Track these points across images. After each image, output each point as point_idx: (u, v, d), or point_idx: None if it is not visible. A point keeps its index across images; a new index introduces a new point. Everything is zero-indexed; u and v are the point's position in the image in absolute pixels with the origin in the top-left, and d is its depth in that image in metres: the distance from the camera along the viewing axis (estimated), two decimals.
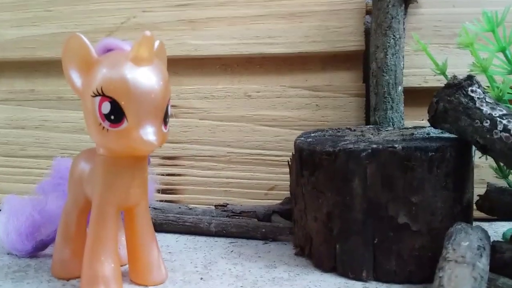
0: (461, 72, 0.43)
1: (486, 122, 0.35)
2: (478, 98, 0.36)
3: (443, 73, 0.43)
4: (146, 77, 0.31)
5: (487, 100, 0.36)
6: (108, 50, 0.33)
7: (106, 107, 0.30)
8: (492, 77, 0.41)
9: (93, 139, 0.34)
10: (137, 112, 0.30)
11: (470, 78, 0.37)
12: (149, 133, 0.31)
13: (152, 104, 0.31)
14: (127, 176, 0.34)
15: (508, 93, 0.41)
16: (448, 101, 0.37)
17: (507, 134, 0.34)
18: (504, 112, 0.35)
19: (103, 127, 0.31)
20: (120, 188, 0.34)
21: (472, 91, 0.36)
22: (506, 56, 0.40)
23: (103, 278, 0.34)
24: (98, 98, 0.31)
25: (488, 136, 0.34)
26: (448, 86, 0.37)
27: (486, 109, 0.35)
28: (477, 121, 0.35)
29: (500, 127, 0.34)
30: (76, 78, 0.32)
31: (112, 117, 0.30)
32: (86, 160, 0.38)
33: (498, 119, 0.34)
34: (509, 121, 0.34)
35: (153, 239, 0.38)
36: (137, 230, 0.37)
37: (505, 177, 0.43)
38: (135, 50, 0.31)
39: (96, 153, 0.35)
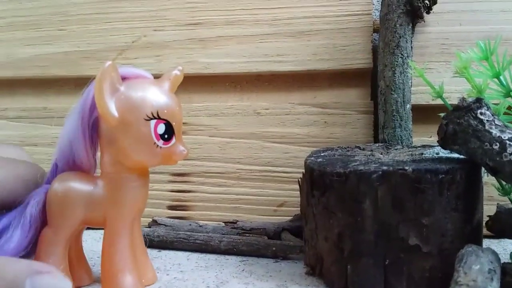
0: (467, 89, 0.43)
1: (496, 145, 0.35)
2: (487, 120, 0.36)
3: (440, 96, 0.43)
4: (179, 103, 0.38)
5: (496, 122, 0.36)
6: (123, 77, 0.37)
7: (161, 128, 0.36)
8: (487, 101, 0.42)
9: (136, 157, 0.37)
10: (179, 130, 0.38)
11: (479, 101, 0.37)
12: (185, 146, 0.38)
13: (182, 123, 0.39)
14: (144, 187, 0.40)
15: (504, 113, 0.42)
16: (458, 124, 0.37)
17: None
18: None
19: (157, 146, 0.36)
20: (143, 199, 0.40)
21: (481, 113, 0.37)
22: (500, 81, 0.42)
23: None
24: (153, 121, 0.36)
25: (497, 158, 0.35)
26: (457, 108, 0.37)
27: (495, 131, 0.36)
28: (486, 143, 0.36)
29: (509, 150, 0.34)
30: (110, 105, 0.35)
31: (166, 136, 0.36)
32: (81, 184, 0.38)
33: (508, 142, 0.35)
34: None
35: (143, 243, 0.43)
36: (136, 236, 0.41)
37: (507, 194, 0.44)
38: (175, 82, 0.39)
39: (85, 175, 0.39)
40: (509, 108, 0.43)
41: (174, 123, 0.37)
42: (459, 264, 0.33)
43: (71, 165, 0.39)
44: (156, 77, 0.58)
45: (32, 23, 0.62)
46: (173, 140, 0.37)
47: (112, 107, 0.35)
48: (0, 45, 0.63)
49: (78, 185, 0.38)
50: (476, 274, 0.31)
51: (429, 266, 0.37)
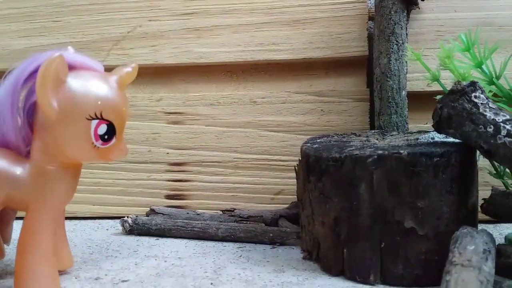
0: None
1: (490, 128, 0.35)
2: (481, 103, 0.37)
3: (436, 79, 0.44)
4: (126, 102, 0.37)
5: (490, 105, 0.36)
6: (69, 66, 0.35)
7: (103, 129, 0.35)
8: None
9: (70, 153, 0.35)
10: (121, 131, 0.36)
11: (473, 84, 0.37)
12: (125, 146, 0.37)
13: (126, 123, 0.37)
14: (74, 180, 0.38)
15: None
16: (452, 107, 0.37)
17: (511, 139, 0.34)
18: (508, 117, 0.35)
19: (95, 146, 0.35)
20: (71, 192, 0.38)
21: (475, 97, 0.37)
22: (482, 70, 0.42)
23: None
24: (95, 121, 0.34)
25: (492, 141, 0.35)
26: (451, 92, 0.38)
27: (489, 114, 0.36)
28: (481, 126, 0.36)
29: (503, 132, 0.35)
30: (52, 99, 0.34)
31: (106, 136, 0.35)
32: (6, 163, 0.36)
33: (502, 124, 0.35)
34: None
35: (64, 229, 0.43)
36: (59, 224, 0.41)
37: (500, 177, 0.44)
38: (125, 80, 0.37)
39: (14, 155, 0.36)
40: (494, 95, 0.43)
41: (117, 123, 0.35)
42: (454, 245, 0.33)
43: None
44: (152, 67, 0.59)
45: (27, 15, 0.62)
46: (113, 140, 0.36)
47: (53, 102, 0.33)
48: None
49: (3, 163, 0.35)
50: (471, 254, 0.31)
51: (425, 249, 0.37)
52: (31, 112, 0.36)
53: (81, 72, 0.35)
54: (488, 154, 0.36)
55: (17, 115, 0.35)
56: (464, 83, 0.38)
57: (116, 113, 0.35)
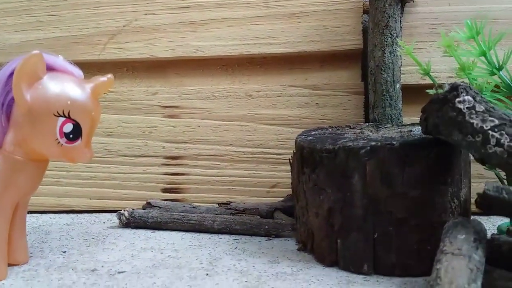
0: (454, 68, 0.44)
1: (478, 137, 0.33)
2: (467, 108, 0.34)
3: (427, 73, 0.44)
4: (99, 109, 0.40)
5: (477, 109, 0.34)
6: (49, 67, 0.38)
7: (68, 128, 0.37)
8: (474, 79, 0.42)
9: (35, 146, 0.38)
10: (89, 134, 0.39)
11: (455, 88, 0.35)
12: (90, 151, 0.40)
13: (95, 129, 0.40)
14: (38, 175, 0.41)
15: (492, 91, 0.42)
16: (437, 116, 0.35)
17: (501, 149, 0.32)
18: (496, 122, 0.33)
19: (59, 142, 0.37)
20: (32, 186, 0.41)
21: (459, 102, 0.34)
22: (487, 59, 0.42)
23: None
24: (61, 119, 0.37)
25: (482, 151, 0.33)
26: (433, 101, 0.36)
27: (476, 121, 0.33)
28: (469, 136, 0.34)
29: (492, 141, 0.33)
30: (25, 91, 0.37)
31: (71, 135, 0.38)
32: None
33: (490, 132, 0.33)
34: (501, 134, 0.33)
35: (24, 223, 0.43)
36: (17, 216, 0.42)
37: (492, 168, 0.44)
38: (100, 88, 0.39)
39: None
40: (496, 86, 0.43)
41: (84, 126, 0.38)
42: (445, 234, 0.34)
43: None
44: (148, 60, 0.59)
45: (23, 9, 0.62)
46: (79, 141, 0.38)
47: (26, 94, 0.36)
48: None
49: None
50: (461, 243, 0.32)
51: (417, 239, 0.38)
52: (10, 106, 0.38)
53: (59, 74, 0.38)
54: (481, 162, 0.35)
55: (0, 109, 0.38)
56: (446, 87, 0.35)
57: (84, 115, 0.38)
